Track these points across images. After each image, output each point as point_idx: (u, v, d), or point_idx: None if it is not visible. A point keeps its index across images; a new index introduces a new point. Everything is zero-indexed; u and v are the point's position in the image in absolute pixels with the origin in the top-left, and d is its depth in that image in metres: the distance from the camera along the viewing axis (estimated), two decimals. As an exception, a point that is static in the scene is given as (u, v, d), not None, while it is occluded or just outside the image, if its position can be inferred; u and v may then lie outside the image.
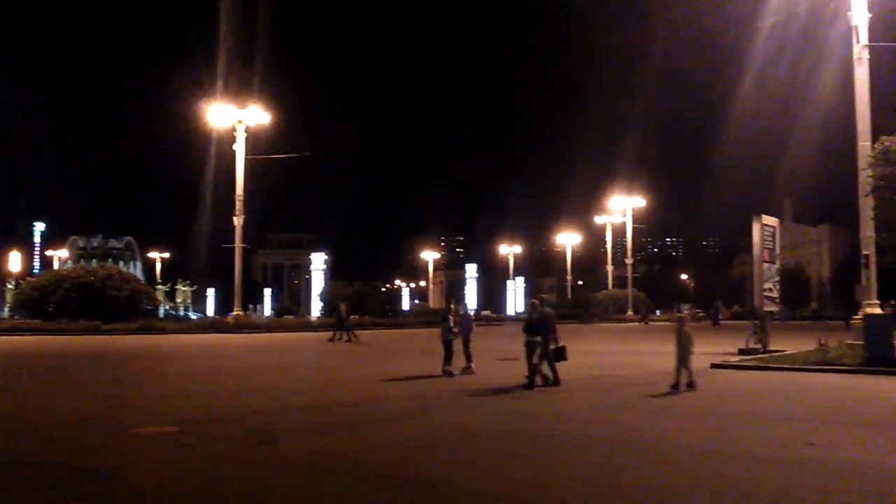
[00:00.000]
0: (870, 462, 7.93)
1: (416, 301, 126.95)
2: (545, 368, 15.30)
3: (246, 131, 46.61)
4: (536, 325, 15.46)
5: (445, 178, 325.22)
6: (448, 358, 17.59)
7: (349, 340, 33.09)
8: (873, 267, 21.48)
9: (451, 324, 17.97)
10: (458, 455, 8.66)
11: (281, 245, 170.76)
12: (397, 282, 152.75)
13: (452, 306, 21.20)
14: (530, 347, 15.13)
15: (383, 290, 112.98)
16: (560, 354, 15.38)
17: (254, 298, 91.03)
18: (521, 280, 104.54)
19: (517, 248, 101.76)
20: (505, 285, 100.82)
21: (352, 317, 55.77)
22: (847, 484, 7.00)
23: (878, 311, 21.20)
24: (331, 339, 33.41)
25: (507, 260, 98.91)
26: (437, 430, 10.47)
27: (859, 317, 21.45)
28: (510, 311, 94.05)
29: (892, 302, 30.39)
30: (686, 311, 18.12)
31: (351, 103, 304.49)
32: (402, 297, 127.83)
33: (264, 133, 48.75)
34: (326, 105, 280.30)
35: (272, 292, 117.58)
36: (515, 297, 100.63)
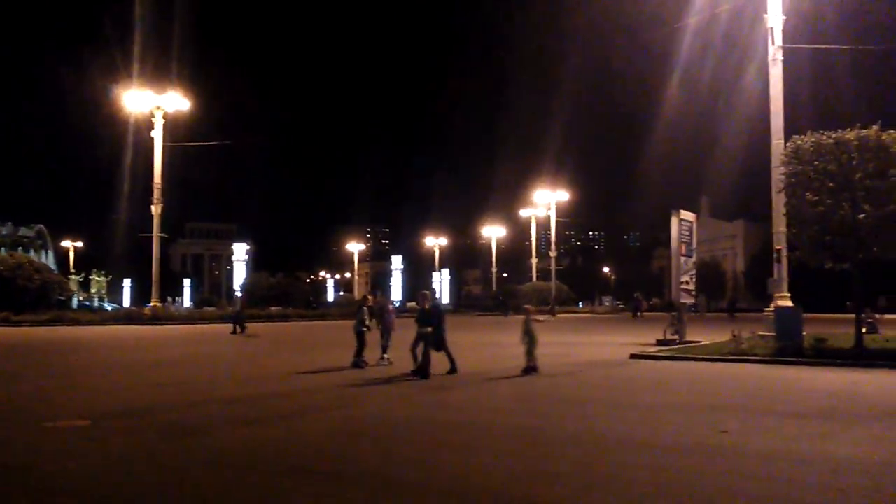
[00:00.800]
0: (780, 448, 8.19)
1: (342, 293, 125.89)
2: (437, 358, 15.63)
3: (164, 118, 45.20)
4: (428, 316, 15.84)
5: (372, 170, 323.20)
6: (360, 349, 17.46)
7: (237, 332, 32.66)
8: (784, 261, 22.29)
9: (366, 315, 17.89)
10: (382, 446, 8.61)
11: (201, 235, 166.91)
12: (322, 273, 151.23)
13: (369, 297, 21.10)
14: (420, 338, 15.52)
15: (308, 281, 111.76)
16: (440, 344, 15.84)
17: (172, 290, 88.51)
18: (446, 272, 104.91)
19: (443, 241, 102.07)
20: (431, 277, 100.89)
21: (273, 308, 55.28)
22: (757, 470, 7.21)
23: (789, 303, 22.01)
24: (233, 332, 32.82)
25: (433, 252, 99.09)
26: (359, 421, 10.40)
27: (770, 309, 22.23)
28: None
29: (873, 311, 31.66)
30: (529, 306, 18.79)
31: (275, 91, 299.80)
32: (327, 288, 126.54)
33: (184, 120, 47.44)
34: (250, 93, 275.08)
35: (192, 283, 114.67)
36: (441, 289, 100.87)
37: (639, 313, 57.59)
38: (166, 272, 68.51)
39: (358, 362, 17.22)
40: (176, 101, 45.37)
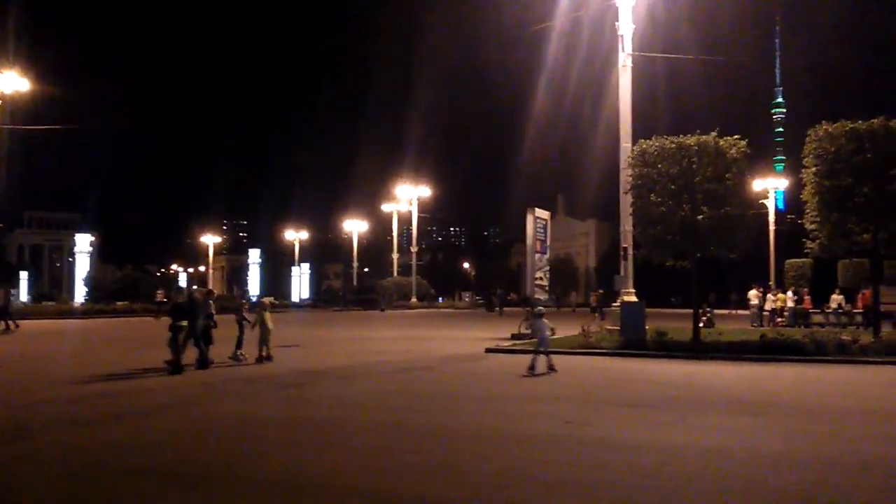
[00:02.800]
0: (619, 437, 8.59)
1: (195, 287, 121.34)
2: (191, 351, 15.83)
3: (1, 98, 41.82)
4: (183, 310, 15.90)
5: (230, 160, 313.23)
6: (239, 343, 17.43)
7: (8, 330, 30.14)
8: (631, 258, 23.44)
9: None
10: (232, 444, 8.33)
11: (41, 224, 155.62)
12: (174, 266, 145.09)
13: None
14: (176, 331, 15.45)
15: (158, 274, 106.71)
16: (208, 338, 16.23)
17: (8, 282, 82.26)
18: (306, 266, 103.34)
19: (303, 234, 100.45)
20: (290, 271, 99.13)
21: (120, 303, 52.36)
22: (597, 457, 7.53)
23: (634, 298, 23.16)
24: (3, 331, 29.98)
25: (293, 245, 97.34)
26: (208, 419, 10.01)
27: (617, 304, 23.32)
28: (295, 298, 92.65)
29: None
30: (269, 300, 19.46)
31: (126, 75, 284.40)
32: (180, 282, 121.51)
33: (24, 102, 43.96)
34: (99, 76, 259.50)
35: (30, 276, 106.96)
36: (301, 283, 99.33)
37: (497, 308, 58.96)
38: (1, 263, 63.54)
39: (238, 355, 17.23)
40: (14, 82, 42.05)
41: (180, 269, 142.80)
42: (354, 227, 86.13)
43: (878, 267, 23.58)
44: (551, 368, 14.99)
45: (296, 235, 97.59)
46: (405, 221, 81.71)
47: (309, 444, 8.44)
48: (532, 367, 14.73)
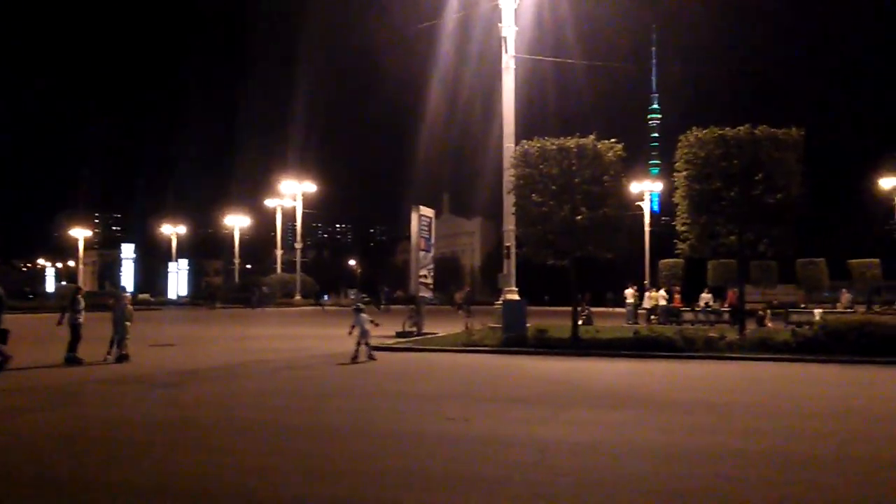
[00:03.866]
0: (498, 433, 8.67)
1: (64, 283, 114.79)
2: None
3: None
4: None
5: (102, 151, 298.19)
6: (73, 343, 16.08)
7: None
8: (513, 257, 23.84)
9: (81, 306, 16.51)
10: (105, 448, 7.87)
11: None
12: (41, 261, 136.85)
13: (80, 287, 19.42)
14: None
15: (23, 269, 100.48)
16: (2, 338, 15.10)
17: None
18: (185, 262, 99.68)
19: (181, 229, 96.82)
20: (167, 267, 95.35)
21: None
22: (475, 453, 7.55)
23: (516, 296, 23.57)
24: None
25: (170, 240, 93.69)
26: (75, 422, 9.41)
27: (500, 302, 23.66)
28: (172, 295, 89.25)
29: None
30: (138, 295, 19.47)
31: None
32: (47, 278, 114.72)
33: None
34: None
35: None
36: (178, 280, 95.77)
37: (382, 306, 58.77)
38: None
39: (72, 358, 15.74)
40: None
41: (48, 263, 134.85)
42: (236, 222, 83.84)
43: (743, 267, 24.91)
44: (371, 357, 16.77)
45: (173, 230, 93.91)
46: (290, 217, 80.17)
47: (184, 446, 8.08)
48: (354, 357, 16.64)
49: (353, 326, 16.86)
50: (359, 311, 17.19)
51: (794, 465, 7.18)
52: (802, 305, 42.55)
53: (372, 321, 17.20)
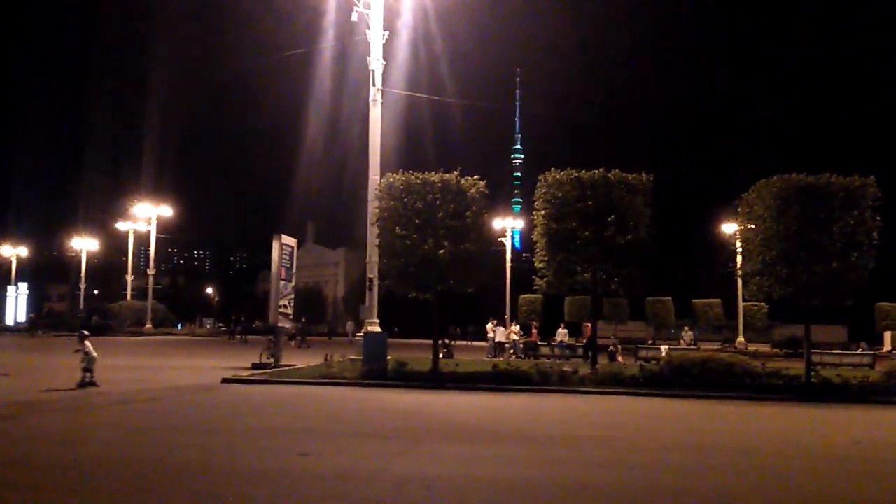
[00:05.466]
0: (351, 468, 8.50)
1: None
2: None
3: None
4: None
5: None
6: None
7: None
8: (376, 289, 23.72)
9: None
10: None
11: None
12: None
13: None
14: None
15: None
16: None
17: None
18: (24, 286, 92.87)
19: (22, 251, 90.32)
20: (5, 291, 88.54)
21: None
22: (327, 490, 7.36)
23: (378, 329, 23.41)
24: None
25: (10, 263, 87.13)
26: None
27: (361, 334, 23.43)
28: (10, 321, 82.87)
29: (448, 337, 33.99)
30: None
31: None
32: None
33: None
34: None
35: None
36: (17, 304, 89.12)
37: (237, 336, 56.95)
38: None
39: None
40: None
41: None
42: (83, 244, 79.04)
43: (597, 304, 25.96)
44: (92, 384, 16.62)
45: (13, 251, 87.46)
46: (144, 242, 76.47)
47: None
48: (81, 383, 16.52)
49: (77, 351, 16.86)
50: (83, 338, 17.23)
51: (647, 496, 7.42)
52: (650, 341, 44.78)
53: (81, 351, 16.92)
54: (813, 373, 19.46)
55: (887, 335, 61.06)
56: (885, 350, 53.35)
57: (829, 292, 19.22)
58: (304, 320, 41.29)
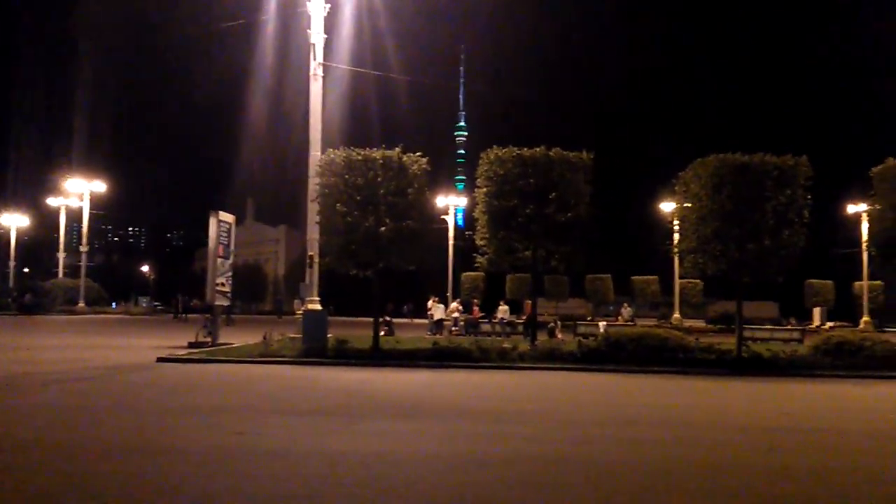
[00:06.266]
0: (288, 446, 8.42)
1: None
2: None
3: None
4: None
5: None
6: None
7: None
8: (316, 267, 23.52)
9: None
10: None
11: None
12: None
13: None
14: None
15: None
16: None
17: None
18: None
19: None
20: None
21: None
22: (264, 468, 7.26)
23: (318, 306, 23.24)
24: None
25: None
26: None
27: (300, 311, 23.24)
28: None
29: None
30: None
31: None
32: None
33: None
34: None
35: None
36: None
37: (181, 315, 55.90)
38: None
39: None
40: None
41: None
42: (12, 221, 76.34)
43: (537, 281, 26.23)
44: None
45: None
46: (75, 218, 74.21)
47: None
48: None
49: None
50: None
51: (575, 468, 7.54)
52: (589, 318, 45.57)
53: None
54: (744, 347, 20.06)
55: (816, 311, 63.44)
56: (814, 325, 55.44)
57: (761, 269, 19.76)
58: (181, 297, 40.32)
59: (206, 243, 24.08)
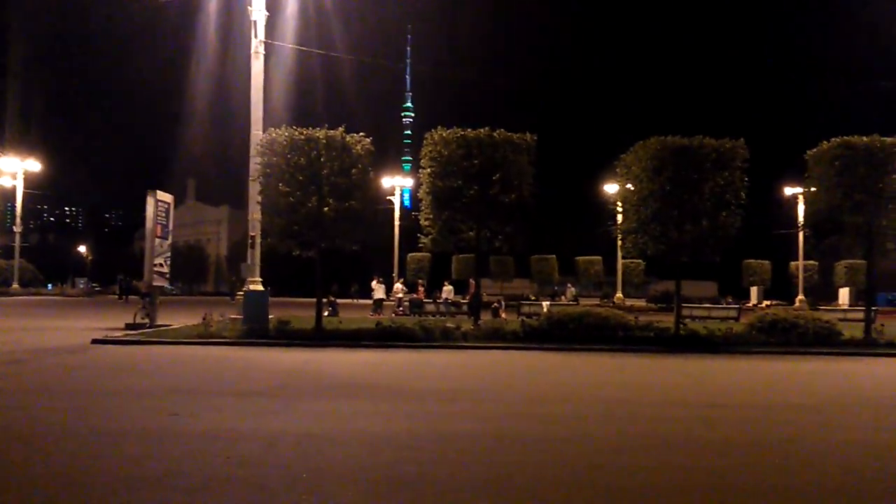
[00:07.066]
0: (225, 427, 8.31)
1: None
2: None
3: None
4: None
5: None
6: None
7: None
8: (258, 247, 23.18)
9: None
10: None
11: None
12: None
13: None
14: None
15: None
16: None
17: None
18: None
19: None
20: None
21: None
22: (198, 450, 7.16)
23: (260, 287, 22.93)
24: None
25: None
26: None
27: (242, 292, 22.92)
28: None
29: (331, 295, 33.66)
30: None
31: None
32: None
33: None
34: None
35: None
36: None
37: (123, 296, 54.58)
38: None
39: None
40: None
41: None
42: (-58, 200, 73.49)
43: (482, 262, 26.32)
44: None
45: None
46: (9, 197, 71.81)
47: None
48: None
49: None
50: None
51: (512, 445, 7.60)
52: (533, 298, 46.01)
53: None
54: (682, 325, 20.52)
55: (753, 290, 65.22)
56: (751, 304, 56.96)
57: (699, 249, 20.20)
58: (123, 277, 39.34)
59: (144, 224, 23.50)
